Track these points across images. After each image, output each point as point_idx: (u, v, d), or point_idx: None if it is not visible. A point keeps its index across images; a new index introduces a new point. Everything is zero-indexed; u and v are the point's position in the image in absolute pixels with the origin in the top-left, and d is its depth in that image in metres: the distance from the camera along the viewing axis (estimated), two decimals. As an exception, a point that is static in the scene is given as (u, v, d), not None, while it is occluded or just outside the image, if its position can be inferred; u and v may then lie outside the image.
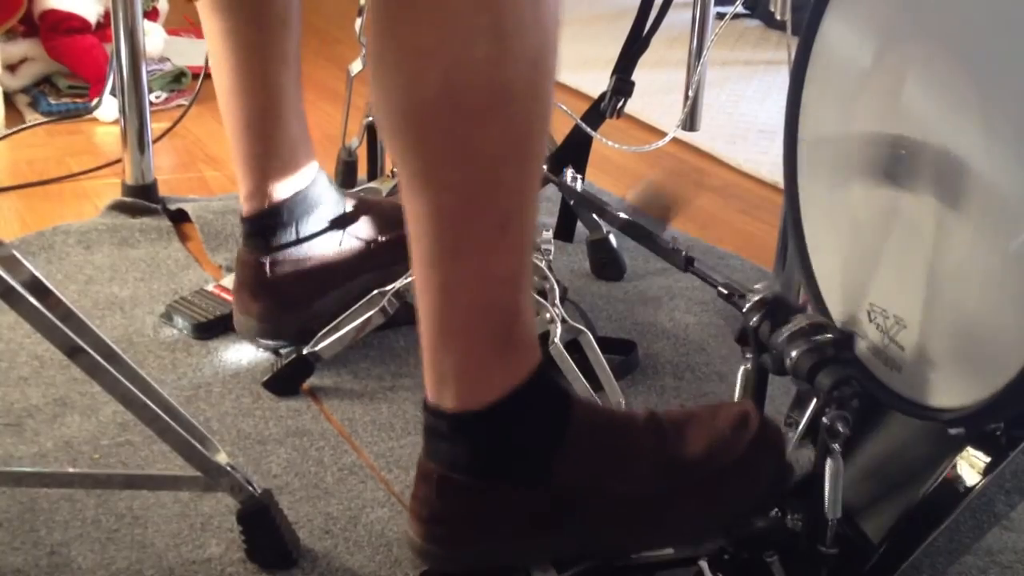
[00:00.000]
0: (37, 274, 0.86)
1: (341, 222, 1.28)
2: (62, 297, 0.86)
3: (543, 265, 1.20)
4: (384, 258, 1.24)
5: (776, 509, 0.87)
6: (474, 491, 0.82)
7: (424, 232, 0.78)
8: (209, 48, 1.22)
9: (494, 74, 0.72)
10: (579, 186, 1.46)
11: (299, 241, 1.24)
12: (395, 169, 1.61)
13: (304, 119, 1.26)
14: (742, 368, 0.93)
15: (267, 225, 1.24)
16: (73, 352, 0.81)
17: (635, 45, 1.43)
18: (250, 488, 0.90)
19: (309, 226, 1.25)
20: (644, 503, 0.83)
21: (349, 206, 1.30)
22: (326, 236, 1.27)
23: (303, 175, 1.25)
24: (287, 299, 1.24)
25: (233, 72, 1.21)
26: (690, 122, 2.11)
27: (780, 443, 0.86)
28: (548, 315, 1.12)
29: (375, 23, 0.74)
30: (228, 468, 0.89)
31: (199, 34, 2.31)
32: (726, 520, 0.86)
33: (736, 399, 0.94)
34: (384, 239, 1.29)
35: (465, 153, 0.74)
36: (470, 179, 0.75)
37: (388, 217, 1.31)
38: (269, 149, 1.23)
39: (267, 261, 1.23)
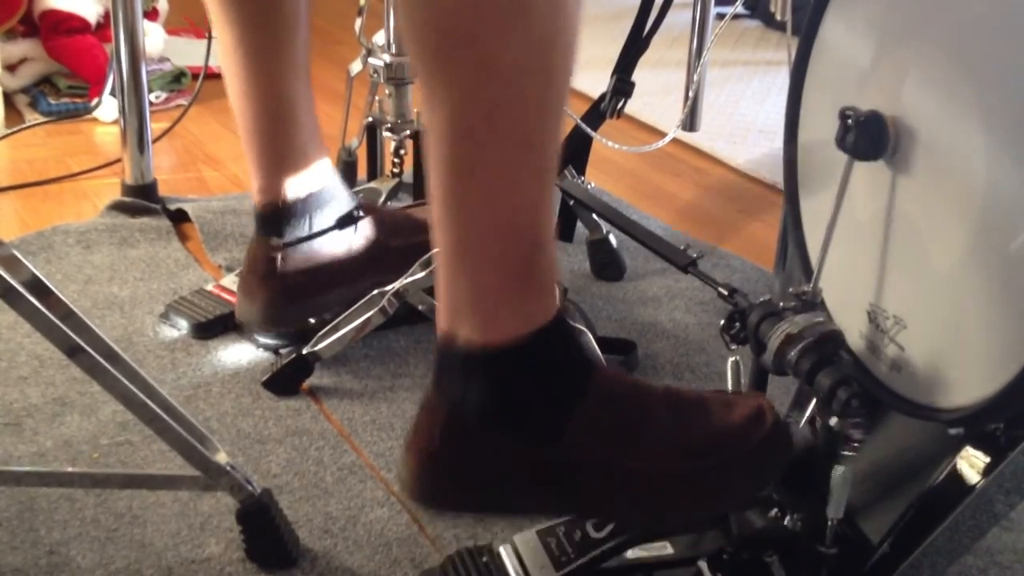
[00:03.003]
0: (37, 274, 0.86)
1: (349, 217, 1.28)
2: (62, 297, 0.86)
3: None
4: (392, 263, 1.24)
5: (776, 510, 0.88)
6: (479, 436, 0.79)
7: (442, 148, 0.75)
8: (220, 52, 1.23)
9: None
10: (588, 186, 1.47)
11: (310, 236, 1.25)
12: (395, 169, 1.61)
13: (315, 122, 1.26)
14: (730, 360, 0.93)
15: (279, 217, 1.24)
16: (73, 352, 0.81)
17: (635, 45, 1.43)
18: (249, 487, 0.90)
19: (320, 223, 1.25)
20: (649, 479, 0.82)
21: (361, 212, 1.30)
22: (337, 235, 1.27)
23: (316, 177, 1.26)
24: (293, 291, 1.24)
25: (244, 76, 1.21)
26: (690, 122, 2.11)
27: (789, 442, 0.85)
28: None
29: None
30: (228, 467, 0.89)
31: (199, 34, 2.32)
32: (725, 508, 0.85)
33: (728, 391, 0.94)
34: (394, 245, 1.30)
35: (484, 64, 0.72)
36: (490, 92, 0.73)
37: (400, 225, 1.32)
38: (281, 149, 1.23)
39: (279, 252, 1.24)
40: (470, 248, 0.77)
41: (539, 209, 0.78)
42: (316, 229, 1.25)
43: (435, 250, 0.79)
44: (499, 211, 0.76)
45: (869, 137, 0.80)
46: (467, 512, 0.84)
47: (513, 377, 0.79)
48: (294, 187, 1.24)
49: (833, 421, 0.79)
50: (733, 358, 0.94)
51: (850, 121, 0.81)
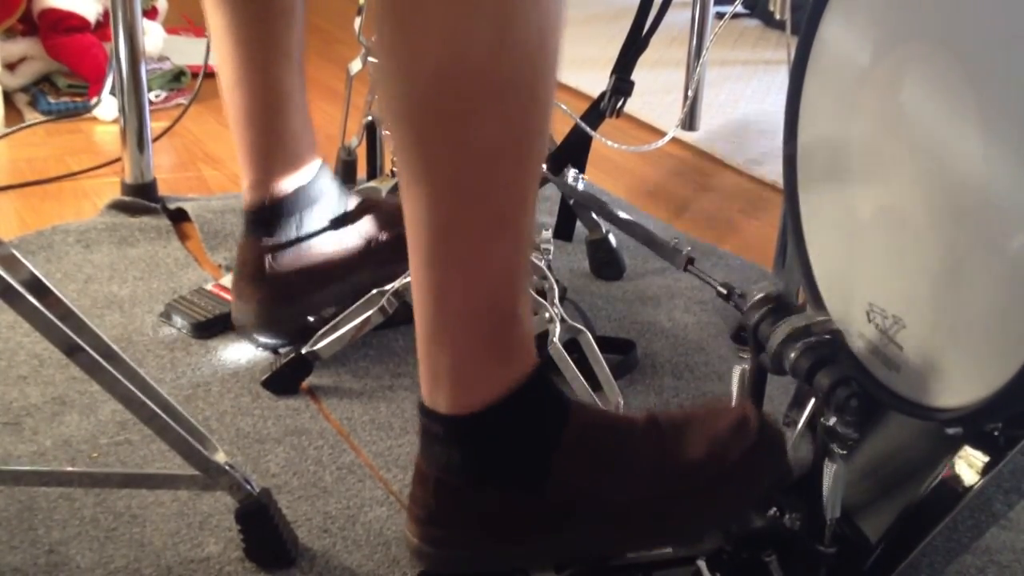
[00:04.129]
0: (36, 273, 0.86)
1: (343, 217, 1.28)
2: (61, 296, 0.86)
3: (542, 264, 1.20)
4: (385, 256, 1.24)
5: (775, 509, 0.88)
6: (470, 494, 0.82)
7: (420, 226, 0.77)
8: (212, 42, 1.22)
9: (490, 67, 0.72)
10: (580, 185, 1.47)
11: (300, 234, 1.25)
12: (395, 169, 1.62)
13: (307, 113, 1.26)
14: (738, 368, 0.93)
15: (269, 217, 1.24)
16: (72, 351, 0.81)
17: (634, 44, 1.43)
18: (248, 487, 0.90)
19: (311, 219, 1.25)
20: (641, 508, 0.83)
21: (352, 202, 1.30)
22: (328, 230, 1.27)
23: (306, 169, 1.25)
24: (286, 291, 1.24)
25: (236, 66, 1.21)
26: (689, 122, 2.11)
27: (781, 445, 0.86)
28: (547, 315, 1.12)
29: (378, 8, 0.73)
30: (227, 467, 0.89)
31: (198, 33, 2.32)
32: (724, 523, 0.86)
33: (733, 398, 0.94)
34: (385, 237, 1.29)
35: (460, 146, 0.74)
36: (465, 173, 0.75)
37: (391, 216, 1.31)
38: (271, 142, 1.23)
39: (268, 252, 1.23)
40: (447, 323, 0.80)
41: (513, 282, 0.80)
42: (306, 226, 1.25)
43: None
44: (474, 287, 0.79)
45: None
46: (477, 572, 0.86)
47: (492, 436, 0.82)
48: (284, 183, 1.23)
49: (829, 421, 0.79)
50: (740, 367, 0.94)
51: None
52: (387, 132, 1.61)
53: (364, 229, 1.29)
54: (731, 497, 0.85)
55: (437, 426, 0.82)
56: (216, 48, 1.22)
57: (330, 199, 1.27)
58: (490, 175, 0.76)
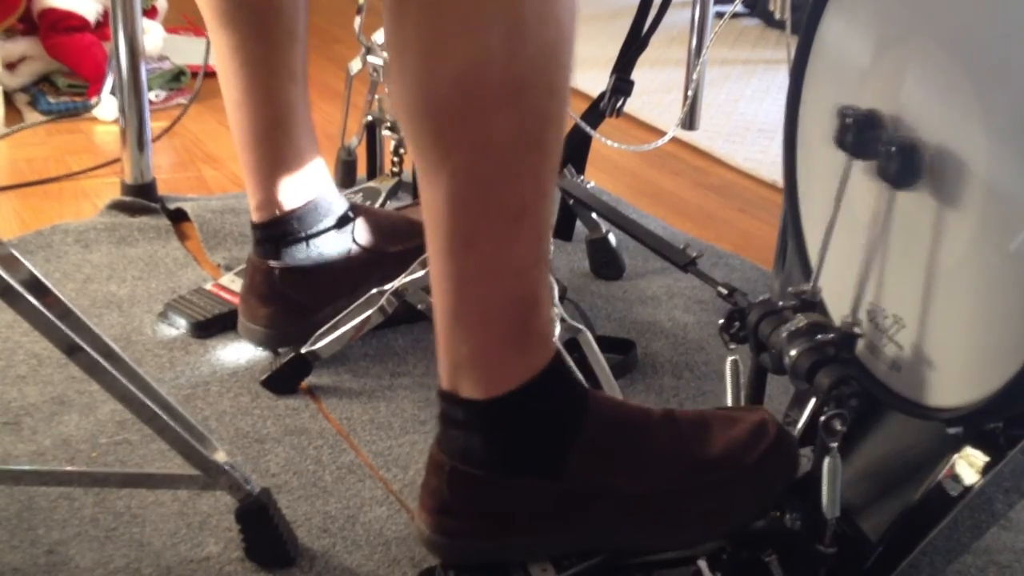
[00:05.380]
0: (36, 272, 0.86)
1: (348, 233, 1.28)
2: (60, 296, 0.86)
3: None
4: (392, 270, 1.25)
5: (775, 509, 0.87)
6: (486, 484, 0.82)
7: (440, 221, 0.77)
8: (217, 62, 1.23)
9: (509, 65, 0.72)
10: (587, 185, 1.46)
11: (309, 251, 1.25)
12: (395, 169, 1.62)
13: (313, 131, 1.27)
14: (729, 359, 0.93)
15: (277, 233, 1.24)
16: (71, 351, 0.81)
17: (634, 44, 1.43)
18: (248, 487, 0.90)
19: (319, 236, 1.26)
20: (656, 502, 0.83)
21: (359, 221, 1.30)
22: (335, 246, 1.27)
23: (313, 186, 1.26)
24: (294, 307, 1.25)
25: (241, 86, 1.21)
26: (689, 121, 2.11)
27: (794, 455, 0.86)
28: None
29: (393, 11, 0.73)
30: (226, 467, 0.88)
31: (198, 32, 2.32)
32: (734, 524, 0.86)
33: (728, 390, 0.94)
34: (392, 251, 1.30)
35: (480, 142, 0.74)
36: (485, 168, 0.75)
37: (397, 230, 1.32)
38: (278, 162, 1.23)
39: (277, 268, 1.24)
40: (468, 313, 0.80)
41: (535, 272, 0.80)
42: (314, 243, 1.26)
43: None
44: (496, 279, 0.79)
45: (868, 136, 0.80)
46: (490, 561, 0.85)
47: (513, 421, 0.81)
48: (292, 200, 1.24)
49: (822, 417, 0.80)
50: (732, 357, 0.94)
51: (849, 120, 0.81)
52: (388, 132, 1.61)
53: (371, 242, 1.30)
54: (744, 500, 0.85)
55: (457, 410, 0.81)
56: (221, 69, 1.22)
57: (336, 215, 1.28)
58: (509, 169, 0.75)
